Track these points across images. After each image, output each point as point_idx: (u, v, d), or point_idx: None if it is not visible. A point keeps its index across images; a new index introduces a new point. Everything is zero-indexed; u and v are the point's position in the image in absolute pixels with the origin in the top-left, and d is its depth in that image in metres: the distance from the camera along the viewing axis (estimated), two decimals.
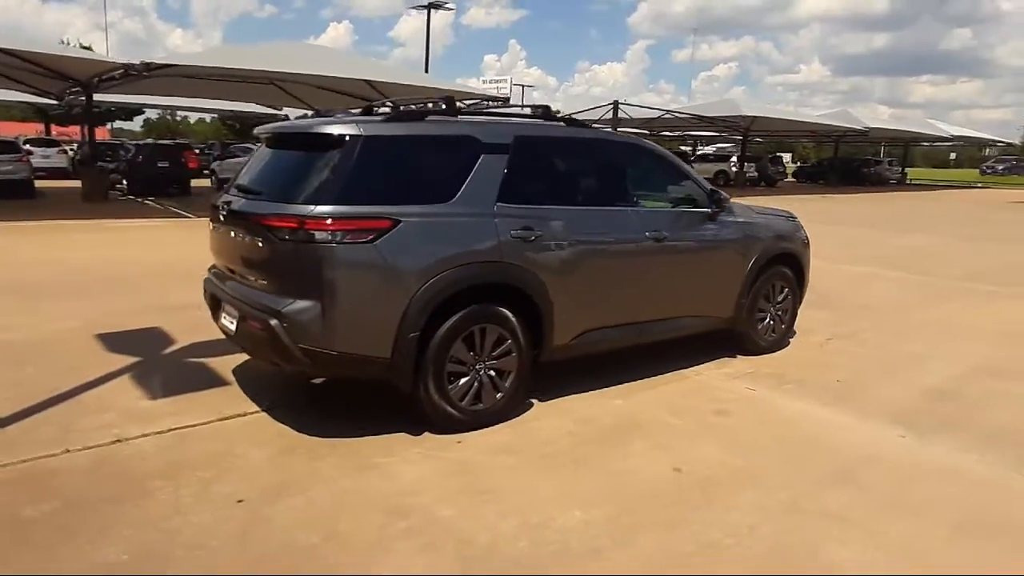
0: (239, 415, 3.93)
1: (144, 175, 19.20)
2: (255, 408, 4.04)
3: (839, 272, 9.07)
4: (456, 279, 3.62)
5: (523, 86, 49.10)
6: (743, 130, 31.93)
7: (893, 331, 6.32)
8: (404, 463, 3.42)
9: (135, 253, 9.92)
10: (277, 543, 2.72)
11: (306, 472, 3.30)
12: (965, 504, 3.18)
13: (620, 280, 4.43)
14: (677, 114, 30.65)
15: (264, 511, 2.94)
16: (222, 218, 3.94)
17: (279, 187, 3.82)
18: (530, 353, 4.02)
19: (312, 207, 3.39)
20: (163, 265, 8.78)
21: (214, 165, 24.23)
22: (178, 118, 68.70)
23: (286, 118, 30.22)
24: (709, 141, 46.59)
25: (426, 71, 28.35)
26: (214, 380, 4.51)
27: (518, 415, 4.03)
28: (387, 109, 4.31)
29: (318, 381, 4.49)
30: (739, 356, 5.34)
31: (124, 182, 19.42)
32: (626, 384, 4.63)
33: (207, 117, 57.45)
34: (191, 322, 5.59)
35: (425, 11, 39.87)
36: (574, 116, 4.99)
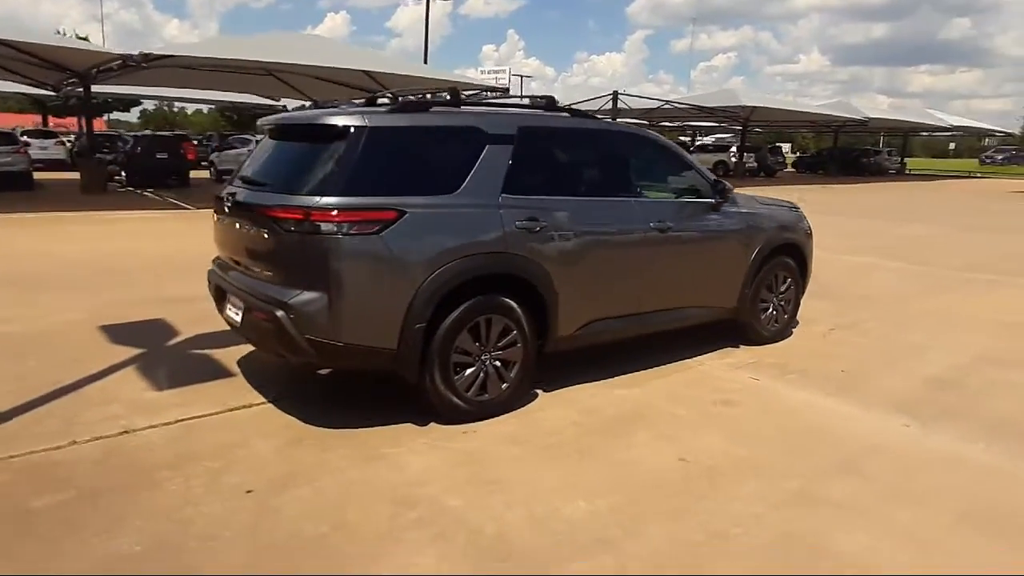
0: (245, 406, 3.95)
1: (143, 167, 19.16)
2: (261, 399, 4.05)
3: (839, 262, 9.07)
4: (462, 270, 3.62)
5: (521, 76, 49.06)
6: (742, 120, 31.88)
7: (894, 321, 6.33)
8: (411, 453, 3.44)
9: (135, 245, 9.91)
10: (287, 533, 2.73)
11: (314, 463, 3.32)
12: (970, 493, 3.20)
13: (624, 271, 4.43)
14: (677, 104, 30.60)
15: (273, 501, 2.96)
16: (227, 210, 3.93)
17: (284, 179, 3.81)
18: (535, 344, 4.03)
19: (318, 198, 3.39)
20: (163, 257, 8.77)
21: (213, 156, 24.19)
22: (175, 109, 68.53)
23: (284, 109, 30.15)
24: (708, 131, 46.49)
25: (425, 62, 28.21)
26: (219, 371, 4.51)
27: (523, 405, 4.05)
28: (385, 100, 4.31)
29: (324, 372, 4.50)
30: (742, 346, 5.36)
31: (123, 174, 19.37)
32: (630, 374, 4.64)
33: (204, 108, 57.20)
34: (193, 314, 5.60)
35: (423, 1, 39.65)
36: (573, 107, 4.96)
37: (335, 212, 3.35)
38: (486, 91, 17.67)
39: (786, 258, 5.49)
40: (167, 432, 3.60)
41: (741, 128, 33.58)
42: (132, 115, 58.29)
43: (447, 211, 3.68)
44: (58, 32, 31.50)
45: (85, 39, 31.91)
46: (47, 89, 20.10)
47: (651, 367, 4.80)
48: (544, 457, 3.46)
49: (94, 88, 18.11)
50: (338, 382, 4.45)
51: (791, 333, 5.75)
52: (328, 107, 4.13)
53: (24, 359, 4.68)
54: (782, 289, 5.54)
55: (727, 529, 2.84)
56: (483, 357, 3.82)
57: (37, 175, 18.50)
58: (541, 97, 4.57)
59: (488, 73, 41.31)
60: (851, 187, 28.12)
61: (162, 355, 4.84)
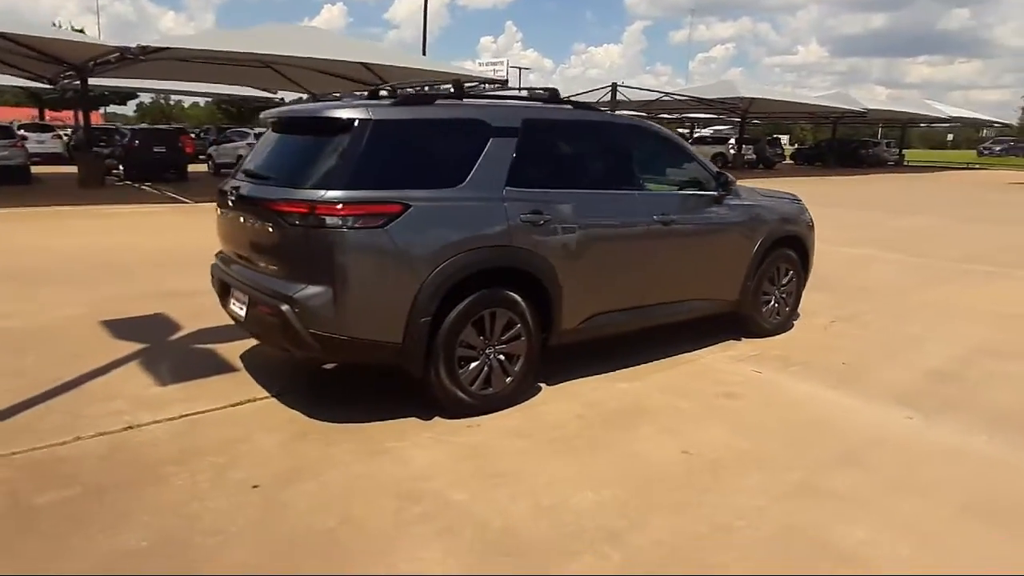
0: (249, 401, 3.95)
1: (140, 160, 19.08)
2: (265, 394, 4.05)
3: (839, 254, 9.08)
4: (467, 263, 3.62)
5: (520, 68, 48.81)
6: (741, 112, 31.81)
7: (893, 313, 6.35)
8: (416, 447, 3.45)
9: (134, 239, 9.88)
10: (295, 528, 2.74)
11: (319, 457, 3.32)
12: (972, 485, 3.22)
13: (628, 264, 4.44)
14: (675, 96, 30.51)
15: (279, 496, 2.96)
16: (230, 203, 3.92)
17: (288, 172, 3.80)
18: (539, 337, 4.03)
19: (323, 192, 3.39)
20: (163, 251, 8.76)
21: (211, 150, 24.07)
22: (172, 102, 68.22)
23: (282, 101, 29.99)
24: (707, 123, 46.40)
25: (423, 53, 28.07)
26: (222, 366, 4.51)
27: (527, 399, 4.06)
28: (385, 93, 4.29)
29: (328, 367, 4.50)
30: (744, 339, 5.37)
31: (120, 167, 19.30)
32: (632, 368, 4.65)
33: (201, 101, 56.93)
34: (195, 308, 5.60)
35: None
36: (573, 99, 4.94)
37: (340, 206, 3.34)
38: (484, 83, 17.65)
39: (788, 250, 5.50)
40: (171, 427, 3.61)
41: (740, 120, 33.51)
42: (128, 108, 58.16)
43: (452, 204, 3.68)
44: (54, 24, 31.36)
45: (81, 31, 31.74)
46: (44, 82, 20.01)
47: (653, 360, 4.81)
48: (549, 451, 3.47)
49: (90, 81, 18.02)
50: (341, 376, 4.45)
51: (792, 326, 5.76)
52: (329, 100, 4.11)
53: (24, 354, 4.67)
54: (784, 281, 5.55)
55: (731, 521, 2.85)
56: (487, 351, 3.83)
57: (34, 169, 18.42)
58: (544, 89, 4.56)
59: (486, 65, 41.14)
60: (849, 179, 28.13)
61: (164, 350, 4.84)
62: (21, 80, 21.72)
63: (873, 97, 41.01)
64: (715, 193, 4.97)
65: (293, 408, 3.86)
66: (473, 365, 3.78)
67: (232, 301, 4.03)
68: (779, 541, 2.73)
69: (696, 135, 41.07)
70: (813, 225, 5.84)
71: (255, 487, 3.03)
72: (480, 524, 2.79)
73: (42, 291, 6.45)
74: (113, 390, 4.07)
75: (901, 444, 3.63)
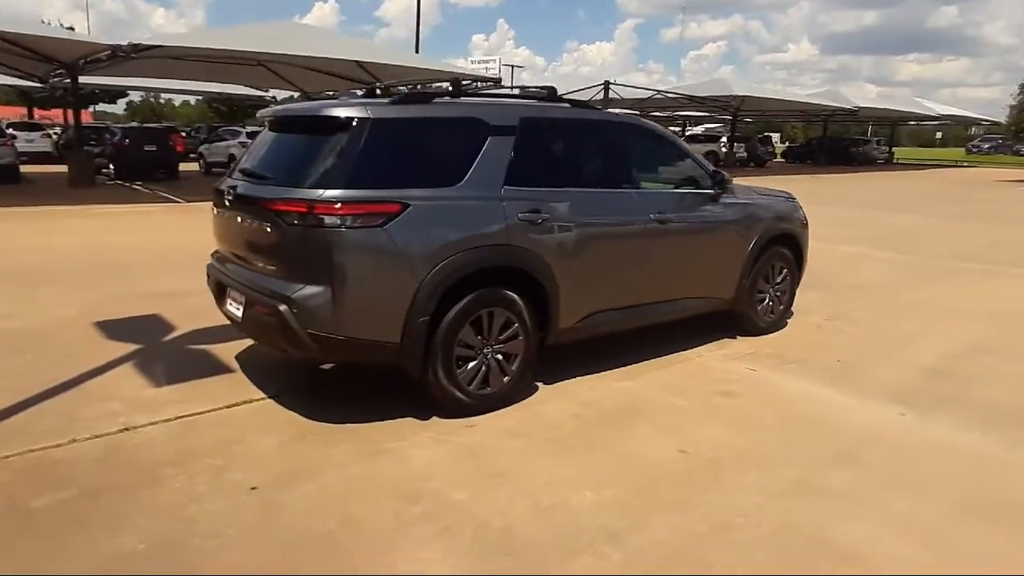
0: (246, 402, 3.93)
1: (131, 159, 18.95)
2: (261, 395, 4.04)
3: (831, 252, 9.13)
4: (465, 263, 3.62)
5: (512, 66, 48.79)
6: (733, 110, 31.89)
7: (886, 311, 6.39)
8: (415, 448, 3.44)
9: (127, 239, 9.83)
10: (294, 530, 2.73)
11: (317, 458, 3.31)
12: (967, 481, 3.24)
13: (625, 262, 4.44)
14: (668, 94, 30.54)
15: (278, 498, 2.95)
16: (227, 203, 3.90)
17: (286, 171, 3.79)
18: (536, 336, 4.03)
19: (321, 191, 3.37)
20: (157, 251, 8.71)
21: (202, 148, 23.97)
22: (162, 100, 67.81)
23: (273, 99, 29.82)
24: (698, 121, 46.52)
25: (416, 51, 28.00)
26: (217, 367, 4.49)
27: (524, 399, 4.06)
28: (377, 92, 4.27)
29: (325, 367, 4.49)
30: (739, 337, 5.39)
31: (111, 166, 19.17)
32: (628, 367, 4.66)
33: (192, 99, 56.61)
34: (190, 308, 5.57)
35: None
36: (566, 97, 4.92)
37: (339, 205, 3.33)
38: (478, 81, 17.62)
39: (783, 248, 5.52)
40: (168, 429, 3.59)
41: (731, 118, 33.60)
42: (118, 107, 57.74)
43: (450, 203, 3.67)
44: (44, 22, 31.09)
45: (71, 29, 31.49)
46: (34, 81, 19.86)
47: (649, 359, 4.82)
48: (547, 450, 3.47)
49: (80, 79, 17.89)
50: (338, 377, 4.44)
51: (786, 324, 5.79)
52: (321, 99, 4.10)
53: (21, 355, 4.64)
54: (778, 280, 5.57)
55: (730, 519, 2.86)
56: (485, 350, 3.83)
57: (23, 168, 18.27)
58: (542, 88, 4.56)
59: (478, 63, 41.09)
60: (840, 177, 28.26)
61: (160, 351, 4.81)
62: (11, 79, 21.51)
63: (863, 95, 41.18)
64: (711, 191, 4.98)
65: (291, 409, 3.84)
66: (471, 365, 3.78)
67: (228, 301, 4.01)
68: (779, 539, 2.74)
69: (688, 133, 41.17)
70: (807, 223, 5.87)
71: (253, 489, 3.01)
72: (480, 524, 2.79)
73: (39, 291, 6.40)
74: (108, 391, 4.05)
75: (896, 441, 3.65)
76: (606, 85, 26.86)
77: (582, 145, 4.54)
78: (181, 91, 35.30)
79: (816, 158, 38.17)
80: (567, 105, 4.58)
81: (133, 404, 3.86)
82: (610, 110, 5.14)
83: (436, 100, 4.00)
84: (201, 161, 23.55)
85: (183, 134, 25.87)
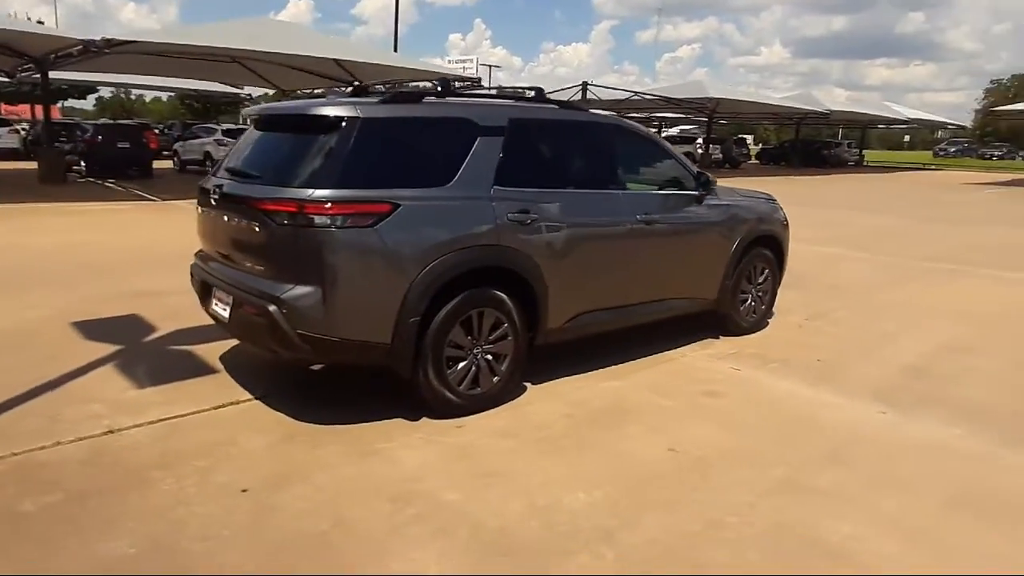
0: (232, 403, 3.88)
1: (103, 156, 18.63)
2: (248, 396, 3.99)
3: (809, 253, 9.25)
4: (456, 263, 3.61)
5: (490, 66, 48.78)
6: (709, 112, 32.21)
7: (864, 311, 6.50)
8: (405, 448, 3.43)
9: (102, 237, 9.64)
10: (287, 532, 2.71)
11: (307, 459, 3.29)
12: (951, 478, 3.31)
13: (612, 263, 4.47)
14: (645, 96, 30.76)
15: (269, 500, 2.92)
16: (213, 202, 3.85)
17: (275, 170, 3.74)
18: (525, 336, 4.04)
19: (311, 191, 3.34)
20: (133, 250, 8.57)
21: (177, 146, 23.62)
22: (133, 96, 66.67)
23: (248, 96, 29.37)
24: (674, 123, 46.91)
25: (395, 50, 27.85)
26: (201, 368, 4.43)
27: (513, 399, 4.06)
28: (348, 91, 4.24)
29: (313, 368, 4.45)
30: (721, 337, 5.45)
31: (82, 163, 18.80)
32: (614, 366, 4.69)
33: (164, 96, 55.70)
34: (170, 308, 5.50)
35: None
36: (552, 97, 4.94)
37: (329, 205, 3.31)
38: (457, 81, 17.58)
39: (764, 249, 5.59)
40: (153, 431, 3.53)
41: (707, 119, 33.93)
42: (88, 102, 56.69)
43: (441, 203, 3.66)
44: (10, 15, 30.35)
45: (40, 23, 30.79)
46: (1, 75, 19.39)
47: (635, 359, 4.85)
48: (537, 450, 3.48)
49: (49, 74, 17.51)
50: (326, 377, 4.40)
51: (767, 324, 5.86)
52: (298, 96, 4.06)
53: (0, 356, 4.54)
54: (760, 280, 5.64)
55: (722, 518, 2.89)
56: (475, 351, 3.82)
57: None
58: (530, 88, 4.56)
59: (455, 62, 41.00)
60: (813, 178, 28.70)
61: (141, 352, 4.74)
62: None
63: (833, 99, 41.85)
64: (696, 193, 5.03)
65: (278, 410, 3.81)
66: (461, 365, 3.77)
67: (214, 302, 3.95)
68: (770, 537, 2.77)
69: (664, 134, 41.48)
70: (787, 224, 5.95)
71: (244, 491, 2.98)
72: (475, 525, 2.79)
73: (14, 292, 6.25)
74: (91, 393, 3.97)
75: (880, 439, 3.72)
76: (584, 86, 26.97)
77: (570, 146, 4.56)
78: (153, 87, 34.74)
79: (789, 160, 38.76)
80: (555, 106, 4.59)
81: (116, 406, 3.80)
82: (595, 111, 5.13)
83: (426, 100, 3.98)
84: (175, 158, 23.21)
85: (156, 131, 25.45)
